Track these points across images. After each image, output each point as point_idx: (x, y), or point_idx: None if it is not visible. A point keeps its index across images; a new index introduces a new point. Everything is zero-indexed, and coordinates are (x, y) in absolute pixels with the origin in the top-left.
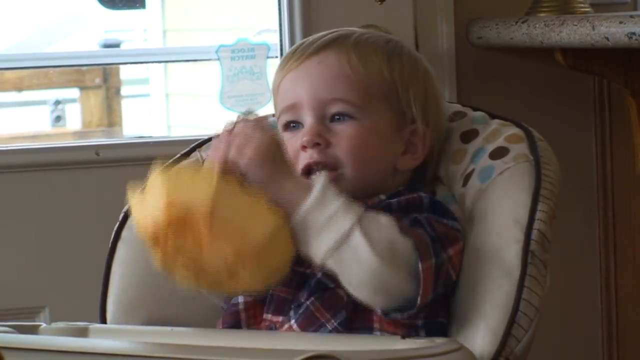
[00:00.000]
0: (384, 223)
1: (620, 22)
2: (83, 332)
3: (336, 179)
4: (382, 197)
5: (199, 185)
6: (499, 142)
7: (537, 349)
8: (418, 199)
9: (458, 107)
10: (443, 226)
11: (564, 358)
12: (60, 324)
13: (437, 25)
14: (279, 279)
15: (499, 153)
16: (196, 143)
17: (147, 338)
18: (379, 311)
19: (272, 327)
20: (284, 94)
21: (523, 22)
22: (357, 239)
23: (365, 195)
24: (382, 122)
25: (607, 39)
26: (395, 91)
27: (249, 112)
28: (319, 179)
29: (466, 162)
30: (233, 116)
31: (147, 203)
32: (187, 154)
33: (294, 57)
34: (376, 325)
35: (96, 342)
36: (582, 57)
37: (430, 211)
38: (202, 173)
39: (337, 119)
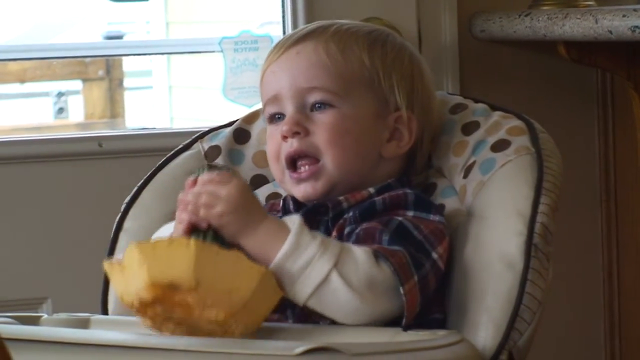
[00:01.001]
0: (361, 259)
1: (624, 16)
2: (85, 323)
3: (319, 173)
4: (372, 190)
5: (178, 259)
6: (501, 134)
7: (539, 342)
8: (403, 196)
9: (459, 99)
10: (429, 224)
11: (566, 351)
12: (62, 315)
13: (440, 18)
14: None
15: (500, 145)
16: (197, 134)
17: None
18: None
19: None
20: (266, 86)
21: (526, 16)
22: (335, 282)
23: (353, 186)
24: (363, 110)
25: (611, 32)
26: (377, 78)
27: (210, 165)
28: (294, 219)
29: (467, 154)
30: (236, 108)
31: (129, 281)
32: (188, 146)
33: (274, 50)
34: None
35: (98, 333)
36: (585, 50)
37: (415, 208)
38: (178, 245)
39: (318, 107)
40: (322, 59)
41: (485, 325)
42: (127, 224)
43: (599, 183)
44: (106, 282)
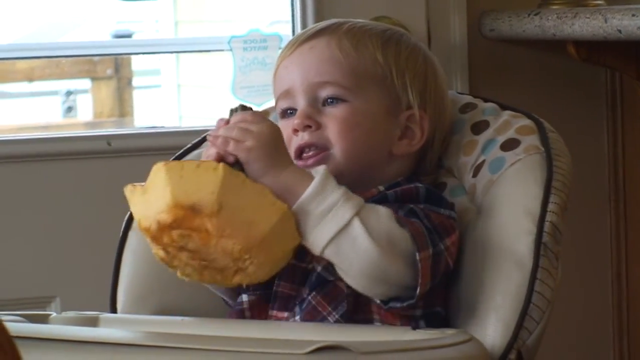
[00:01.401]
0: (383, 214)
1: (633, 15)
2: (93, 322)
3: (326, 159)
4: (381, 188)
5: (203, 182)
6: (510, 133)
7: (548, 341)
8: (414, 189)
9: (469, 99)
10: (439, 216)
11: (575, 350)
12: (71, 314)
13: (449, 17)
14: (282, 267)
15: (510, 144)
16: (207, 133)
17: (157, 328)
18: (377, 301)
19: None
20: (279, 81)
21: (535, 15)
22: (357, 229)
23: (363, 182)
24: (374, 106)
25: (620, 31)
26: (390, 76)
27: (244, 106)
28: (320, 169)
29: (477, 153)
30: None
31: (149, 202)
32: (197, 144)
33: (288, 45)
34: (376, 316)
35: (106, 331)
36: (595, 49)
37: (426, 201)
38: (206, 168)
39: (330, 102)
40: (335, 55)
41: (494, 324)
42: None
43: (608, 182)
44: (115, 280)
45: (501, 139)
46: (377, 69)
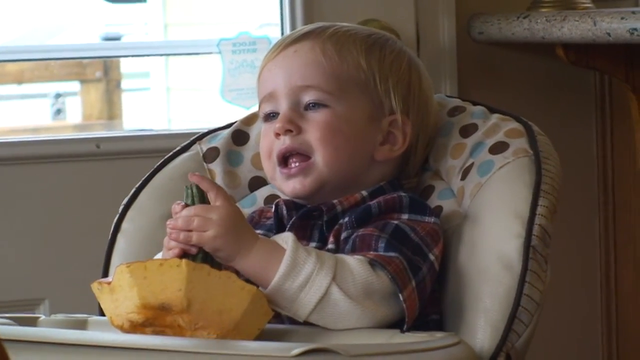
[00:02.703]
0: (357, 270)
1: (622, 18)
2: (82, 324)
3: (309, 169)
4: (364, 193)
5: (168, 280)
6: (499, 136)
7: (537, 343)
8: (397, 199)
9: (458, 102)
10: (425, 225)
11: (563, 353)
12: (60, 316)
13: (438, 20)
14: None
15: (498, 148)
16: (196, 136)
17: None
18: None
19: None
20: (262, 84)
21: (524, 18)
22: (336, 294)
23: (346, 187)
24: (357, 111)
25: (609, 34)
26: (373, 81)
27: (198, 187)
28: (287, 238)
29: (465, 156)
30: (234, 110)
31: (119, 302)
32: (186, 147)
33: (273, 48)
34: None
35: (95, 334)
36: (584, 52)
37: (410, 211)
38: (169, 266)
39: (312, 106)
40: (318, 59)
41: (483, 327)
42: (124, 225)
43: (597, 185)
44: None
45: (490, 142)
46: (360, 74)
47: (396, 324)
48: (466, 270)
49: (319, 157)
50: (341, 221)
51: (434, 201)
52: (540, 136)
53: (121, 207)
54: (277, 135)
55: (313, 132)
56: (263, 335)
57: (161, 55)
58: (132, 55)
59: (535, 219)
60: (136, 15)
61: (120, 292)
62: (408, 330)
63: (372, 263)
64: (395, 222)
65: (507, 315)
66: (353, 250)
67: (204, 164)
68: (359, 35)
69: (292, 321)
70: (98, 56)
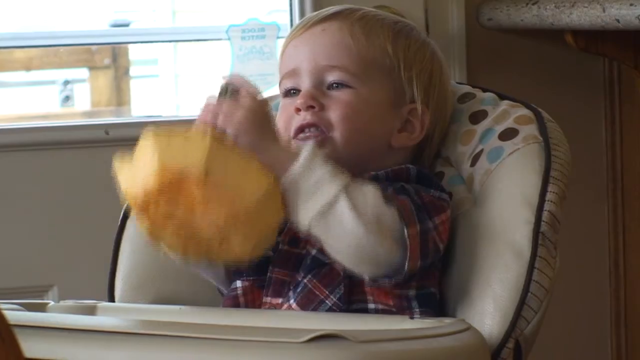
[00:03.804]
0: (370, 192)
1: (631, 5)
2: (91, 310)
3: (325, 142)
4: (373, 173)
5: (191, 148)
6: (508, 123)
7: (545, 330)
8: (405, 169)
9: (468, 89)
10: (429, 196)
11: (573, 339)
12: (69, 302)
13: (447, 7)
14: (267, 247)
15: (508, 134)
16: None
17: (155, 316)
18: (366, 278)
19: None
20: (286, 60)
21: (534, 4)
22: (343, 207)
23: (358, 170)
24: (379, 95)
25: (618, 20)
26: (397, 68)
27: (234, 81)
28: (307, 145)
29: (475, 143)
30: None
31: (137, 169)
32: None
33: (299, 26)
34: (369, 297)
35: (104, 320)
36: (593, 39)
37: (417, 182)
38: (194, 135)
39: (335, 86)
40: (345, 40)
41: (492, 313)
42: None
43: (606, 171)
44: (113, 269)
45: (499, 128)
46: (386, 59)
47: (394, 271)
48: (475, 256)
49: (338, 135)
50: None
51: (444, 187)
52: (550, 123)
53: None
54: (298, 110)
55: (335, 109)
56: (270, 321)
57: (170, 41)
58: (141, 42)
59: (545, 205)
60: (145, 1)
61: (142, 158)
62: (408, 277)
63: (384, 197)
64: (401, 183)
65: (516, 301)
66: None
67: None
68: (387, 22)
69: (300, 308)
70: (106, 42)
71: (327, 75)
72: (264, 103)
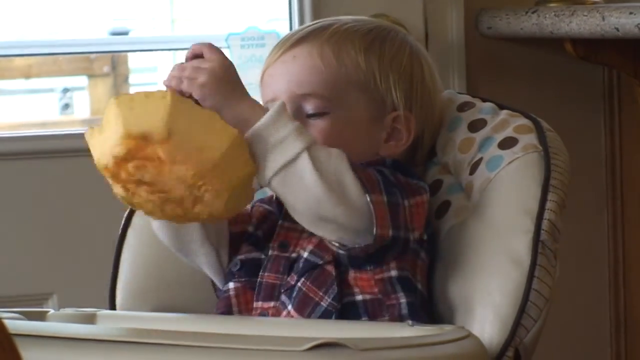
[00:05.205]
0: (334, 154)
1: (631, 13)
2: (91, 318)
3: None
4: None
5: (152, 111)
6: (508, 132)
7: (545, 339)
8: (381, 160)
9: (467, 98)
10: (405, 179)
11: (572, 348)
12: (69, 311)
13: (447, 15)
14: (243, 202)
15: (507, 143)
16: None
17: (155, 325)
18: (333, 242)
19: (265, 314)
20: (265, 88)
21: (533, 13)
22: (304, 163)
23: None
24: (357, 113)
25: (617, 29)
26: (373, 81)
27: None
28: (276, 103)
29: (474, 151)
30: None
31: (106, 139)
32: None
33: (274, 50)
34: (356, 289)
35: (104, 328)
36: (592, 47)
37: (394, 168)
38: (154, 97)
39: (313, 114)
40: (316, 64)
41: (492, 322)
42: (135, 219)
43: (606, 180)
44: (114, 277)
45: (498, 137)
46: (360, 75)
47: (362, 239)
48: (475, 265)
49: None
50: None
51: (442, 196)
52: (549, 132)
53: None
54: None
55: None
56: (270, 329)
57: (169, 50)
58: (140, 50)
59: (545, 214)
60: (144, 10)
61: (108, 128)
62: (378, 243)
63: (350, 164)
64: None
65: (516, 310)
66: None
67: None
68: (359, 33)
69: (300, 315)
70: (106, 51)
71: (304, 104)
72: (227, 64)
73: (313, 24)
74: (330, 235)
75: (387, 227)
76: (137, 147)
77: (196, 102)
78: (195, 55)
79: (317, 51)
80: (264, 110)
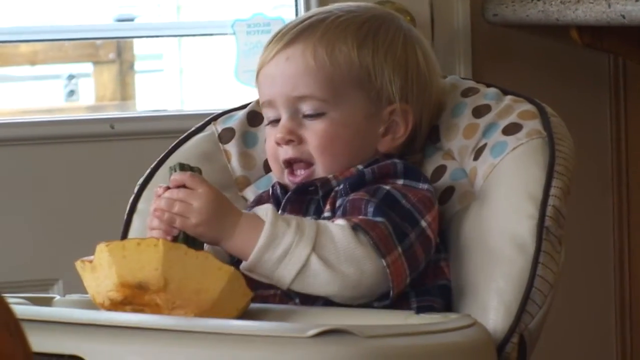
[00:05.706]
0: (339, 237)
1: (637, 0)
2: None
3: (312, 175)
4: (360, 167)
5: (146, 260)
6: (512, 118)
7: (550, 324)
8: (391, 165)
9: (471, 84)
10: (418, 192)
11: (576, 335)
12: (74, 296)
13: (452, 2)
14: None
15: (511, 129)
16: (211, 117)
17: None
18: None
19: (266, 302)
20: (261, 89)
21: (539, 0)
22: (315, 265)
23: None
24: (354, 111)
25: (623, 16)
26: (367, 76)
27: (182, 165)
28: (266, 210)
29: (478, 137)
30: (248, 91)
31: (100, 280)
32: (201, 128)
33: (269, 48)
34: None
35: (109, 314)
36: (598, 35)
37: (405, 176)
38: (147, 245)
39: (309, 115)
40: (309, 65)
41: (497, 308)
42: (140, 205)
43: (611, 166)
44: None
45: (503, 123)
46: (354, 72)
47: (383, 296)
48: (479, 251)
49: (320, 165)
50: (336, 189)
51: (446, 181)
52: (553, 118)
53: (137, 187)
54: (279, 144)
55: (312, 141)
56: (276, 316)
57: (174, 36)
58: (146, 37)
59: (549, 200)
60: None
61: (101, 271)
62: (395, 298)
63: (355, 228)
64: (387, 187)
65: (520, 296)
66: (344, 215)
67: (220, 144)
68: (351, 29)
69: (304, 302)
70: (111, 37)
71: (301, 105)
72: (213, 194)
73: (306, 18)
74: (356, 302)
75: (403, 282)
76: (133, 294)
77: (186, 234)
78: (178, 185)
79: (310, 51)
80: (261, 224)
